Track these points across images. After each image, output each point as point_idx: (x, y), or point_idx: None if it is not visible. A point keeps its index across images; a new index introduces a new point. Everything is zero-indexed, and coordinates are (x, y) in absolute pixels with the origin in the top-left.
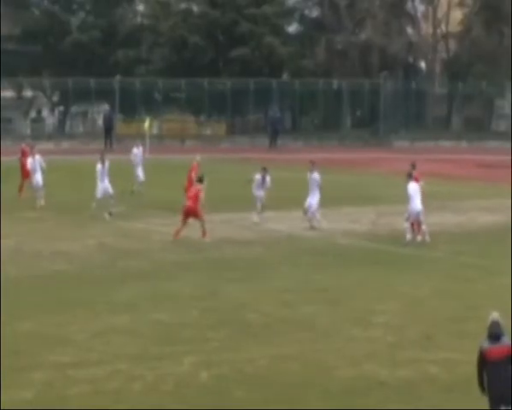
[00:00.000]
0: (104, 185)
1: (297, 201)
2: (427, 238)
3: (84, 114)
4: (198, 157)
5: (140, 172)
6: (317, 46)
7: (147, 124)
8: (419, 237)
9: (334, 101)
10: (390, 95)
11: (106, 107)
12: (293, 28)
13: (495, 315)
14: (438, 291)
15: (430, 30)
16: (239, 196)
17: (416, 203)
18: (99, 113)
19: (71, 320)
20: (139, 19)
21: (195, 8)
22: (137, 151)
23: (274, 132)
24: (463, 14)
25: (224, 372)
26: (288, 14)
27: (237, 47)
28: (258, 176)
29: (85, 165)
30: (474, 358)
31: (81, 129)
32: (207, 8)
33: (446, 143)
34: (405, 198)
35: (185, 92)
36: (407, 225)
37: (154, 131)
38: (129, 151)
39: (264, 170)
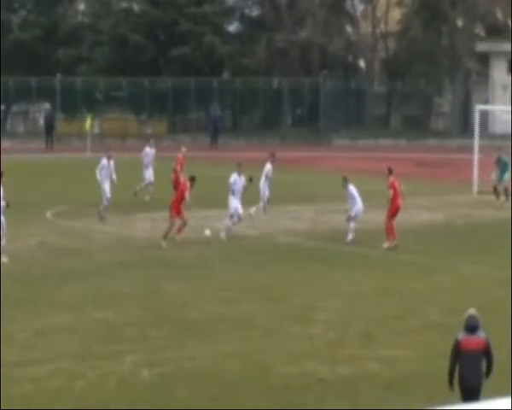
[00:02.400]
0: (108, 184)
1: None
2: (352, 236)
3: (25, 113)
4: (183, 149)
5: (150, 173)
6: (258, 45)
7: (88, 123)
8: (350, 236)
9: (275, 99)
10: (330, 94)
11: (47, 106)
12: (233, 27)
13: (472, 310)
14: (378, 289)
15: (369, 29)
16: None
17: (359, 203)
18: (40, 112)
19: (12, 319)
20: (80, 17)
21: (136, 7)
22: (150, 151)
23: (215, 131)
24: (402, 13)
25: (166, 371)
26: (229, 13)
27: (178, 46)
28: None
29: (26, 164)
30: (414, 354)
31: (22, 128)
32: (148, 8)
33: (386, 142)
34: (348, 199)
35: (126, 91)
36: (353, 225)
37: (95, 129)
38: (71, 150)
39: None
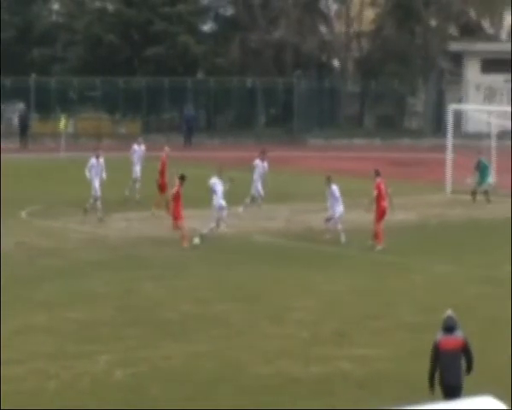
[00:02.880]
0: (98, 182)
1: (206, 198)
2: (328, 236)
3: None
4: (167, 148)
5: (137, 170)
6: (232, 45)
7: (62, 122)
8: (327, 235)
9: (249, 99)
10: (304, 93)
11: (21, 106)
12: (207, 27)
13: (449, 311)
14: (353, 288)
15: (343, 29)
16: (155, 195)
17: (340, 205)
18: (14, 112)
19: None
20: (54, 17)
21: (110, 7)
22: (138, 148)
23: (189, 131)
24: (376, 13)
25: (140, 370)
26: (203, 12)
27: (152, 46)
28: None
29: (1, 164)
30: (387, 354)
31: None
32: (122, 7)
33: (359, 141)
34: (329, 199)
35: (100, 91)
36: (340, 226)
37: (70, 129)
38: (45, 150)
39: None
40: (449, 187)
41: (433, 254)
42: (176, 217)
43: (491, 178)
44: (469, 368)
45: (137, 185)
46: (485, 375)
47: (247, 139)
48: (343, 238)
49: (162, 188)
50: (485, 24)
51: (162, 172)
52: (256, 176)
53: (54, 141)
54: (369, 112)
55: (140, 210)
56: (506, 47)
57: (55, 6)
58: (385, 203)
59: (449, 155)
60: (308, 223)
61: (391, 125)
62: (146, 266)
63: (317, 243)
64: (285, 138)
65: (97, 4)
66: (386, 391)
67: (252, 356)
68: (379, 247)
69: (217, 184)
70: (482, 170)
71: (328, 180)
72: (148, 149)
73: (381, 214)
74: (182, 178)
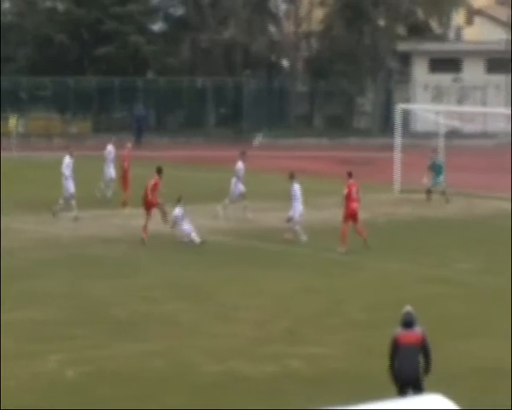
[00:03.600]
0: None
1: (163, 198)
2: (288, 236)
3: None
4: (129, 145)
5: (112, 171)
6: (182, 45)
7: (12, 122)
8: (287, 235)
9: (199, 99)
10: (253, 93)
11: None
12: (157, 27)
13: (408, 307)
14: (303, 287)
15: (292, 29)
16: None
17: (300, 203)
18: None
19: None
20: (4, 17)
21: (60, 7)
22: (111, 149)
23: (139, 130)
24: (325, 13)
25: (91, 370)
26: (153, 12)
27: (102, 45)
28: None
29: None
30: (337, 352)
31: None
32: (72, 7)
33: (308, 141)
34: (290, 199)
35: (51, 90)
36: (298, 227)
37: (20, 129)
38: None
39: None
40: (397, 186)
41: (382, 252)
42: (149, 207)
43: (443, 178)
44: (427, 364)
45: (112, 185)
46: (435, 373)
47: (196, 138)
48: (303, 238)
49: (125, 185)
50: (433, 24)
51: (125, 170)
52: (238, 178)
53: (5, 141)
54: (318, 111)
55: (89, 209)
56: (453, 47)
57: (6, 5)
58: (354, 205)
59: (397, 155)
60: (259, 222)
61: (340, 125)
62: (97, 265)
63: (267, 242)
64: (234, 138)
65: (48, 4)
66: (336, 389)
67: (202, 355)
68: (340, 249)
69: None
70: (437, 170)
71: (291, 177)
72: (98, 148)
73: (348, 215)
74: (159, 170)
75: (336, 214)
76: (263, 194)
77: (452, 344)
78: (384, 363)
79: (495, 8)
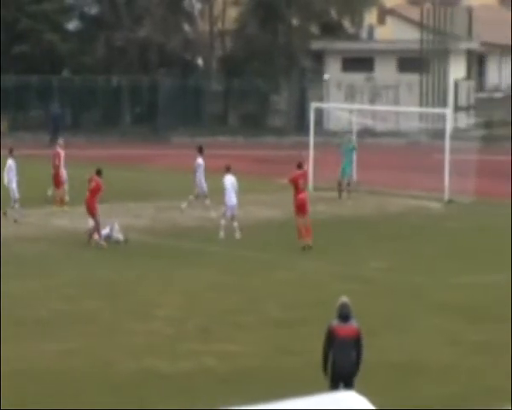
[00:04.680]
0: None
1: (81, 197)
2: (238, 235)
3: None
4: (61, 141)
5: (65, 173)
6: (97, 43)
7: None
8: (237, 235)
9: (114, 97)
10: (168, 91)
11: None
12: (72, 25)
13: (344, 298)
14: (217, 284)
15: (207, 27)
16: (24, 194)
17: (231, 197)
18: None
19: None
20: None
21: None
22: (62, 150)
23: (55, 129)
24: (239, 12)
25: (9, 369)
26: (68, 11)
27: (18, 44)
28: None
29: None
30: (251, 349)
31: None
32: None
33: (224, 139)
34: (222, 192)
35: None
36: (223, 222)
37: None
38: None
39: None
40: (311, 184)
41: (297, 250)
42: (92, 211)
43: (350, 169)
44: (358, 359)
45: (66, 187)
46: None
47: (112, 137)
48: (222, 234)
49: (57, 183)
50: (346, 23)
51: (57, 167)
52: (200, 174)
53: None
54: (232, 110)
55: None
56: (366, 46)
57: None
58: (302, 196)
59: (311, 153)
60: (173, 220)
61: (254, 123)
62: (14, 264)
63: (181, 240)
64: (150, 136)
65: None
66: (250, 387)
67: (119, 353)
68: (301, 242)
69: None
70: (348, 157)
71: (226, 170)
72: (15, 147)
73: (296, 207)
74: (99, 172)
75: (251, 212)
76: (178, 192)
77: (368, 343)
78: (298, 361)
79: (407, 7)
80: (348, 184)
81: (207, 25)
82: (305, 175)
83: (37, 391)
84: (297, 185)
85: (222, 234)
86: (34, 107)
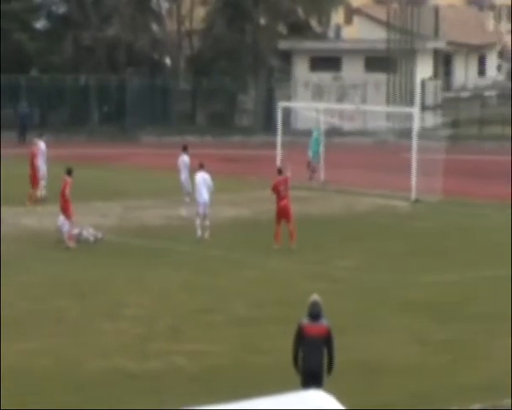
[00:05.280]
0: None
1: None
2: (207, 235)
3: None
4: (36, 140)
5: (45, 169)
6: (65, 42)
7: None
8: (206, 234)
9: (82, 96)
10: (136, 91)
11: None
12: (40, 24)
13: (315, 296)
14: (186, 284)
15: (175, 27)
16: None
17: (202, 194)
18: None
19: None
20: None
21: None
22: (43, 147)
23: (23, 128)
24: (206, 11)
25: None
26: (36, 10)
27: None
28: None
29: None
30: (220, 348)
31: None
32: None
33: (191, 138)
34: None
35: None
36: (198, 221)
37: None
38: None
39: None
40: None
41: (264, 249)
42: (68, 213)
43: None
44: (330, 359)
45: (44, 183)
46: None
47: (80, 136)
48: (199, 233)
49: (34, 181)
50: (313, 23)
51: (34, 166)
52: (186, 173)
53: None
54: (200, 109)
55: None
56: (333, 45)
57: None
58: (283, 202)
59: (278, 152)
60: (141, 219)
61: (222, 123)
62: None
63: (150, 239)
64: (118, 135)
65: None
66: (220, 385)
67: (87, 352)
68: (275, 245)
69: None
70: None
71: (199, 168)
72: None
73: (278, 214)
74: (69, 172)
75: (220, 211)
76: (146, 191)
77: (339, 342)
78: (266, 359)
79: (373, 7)
80: (313, 170)
81: (175, 24)
82: (286, 181)
83: (4, 390)
84: (278, 192)
85: (199, 233)
86: (2, 106)
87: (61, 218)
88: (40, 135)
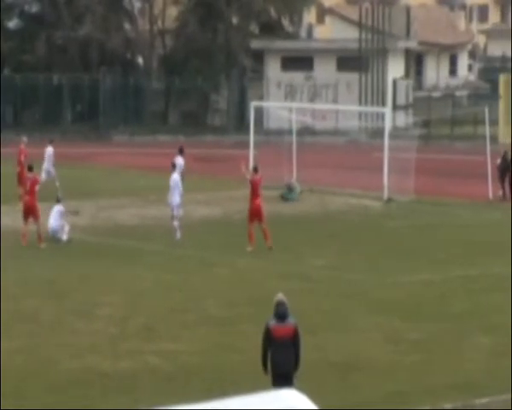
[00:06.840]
0: None
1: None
2: (178, 235)
3: None
4: (24, 139)
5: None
6: (38, 41)
7: None
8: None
9: (55, 96)
10: (109, 90)
11: None
12: (13, 24)
13: (280, 296)
14: (158, 283)
15: (147, 26)
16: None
17: (173, 195)
18: None
19: None
20: None
21: None
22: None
23: None
24: (179, 10)
25: None
26: (8, 9)
27: None
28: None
29: None
30: (194, 347)
31: None
32: None
33: (164, 138)
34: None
35: None
36: (176, 222)
37: None
38: None
39: None
40: None
41: (236, 248)
42: (36, 214)
43: None
44: (297, 358)
45: (57, 184)
46: None
47: (53, 135)
48: (178, 235)
49: (21, 180)
50: (285, 22)
51: (21, 164)
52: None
53: None
54: (173, 108)
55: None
56: (305, 45)
57: None
58: (257, 202)
59: (251, 151)
60: (114, 219)
61: (195, 122)
62: None
63: (122, 239)
64: (91, 135)
65: None
66: (193, 384)
67: (61, 352)
68: (248, 248)
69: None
70: None
71: (172, 168)
72: None
73: (251, 213)
74: (30, 168)
75: (191, 210)
76: (118, 191)
77: (308, 340)
78: (239, 358)
79: (345, 7)
80: None
81: (148, 24)
82: (260, 181)
83: None
84: (256, 190)
85: (178, 235)
86: None
87: (51, 219)
88: (50, 141)
